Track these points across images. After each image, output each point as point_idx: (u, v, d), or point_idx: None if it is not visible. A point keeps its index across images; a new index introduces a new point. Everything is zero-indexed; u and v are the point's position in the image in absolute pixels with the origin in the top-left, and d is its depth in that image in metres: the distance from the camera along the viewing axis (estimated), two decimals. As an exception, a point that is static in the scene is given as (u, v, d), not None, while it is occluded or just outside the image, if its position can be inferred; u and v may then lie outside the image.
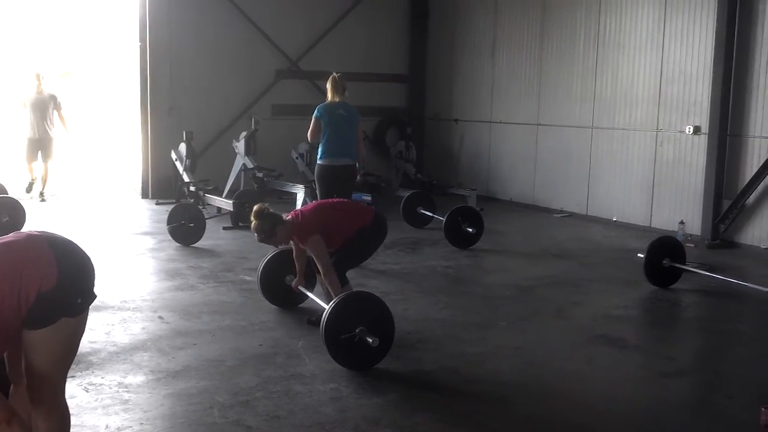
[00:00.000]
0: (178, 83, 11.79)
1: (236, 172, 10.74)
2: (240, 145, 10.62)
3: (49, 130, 11.40)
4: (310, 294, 5.62)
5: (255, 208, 5.36)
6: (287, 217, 5.42)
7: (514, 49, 12.12)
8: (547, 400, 4.39)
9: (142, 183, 12.14)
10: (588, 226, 10.35)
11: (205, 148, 11.72)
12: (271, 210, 5.37)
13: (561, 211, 11.24)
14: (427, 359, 5.00)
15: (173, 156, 10.69)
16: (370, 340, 4.53)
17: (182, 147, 10.50)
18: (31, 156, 11.43)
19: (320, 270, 5.25)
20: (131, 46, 12.23)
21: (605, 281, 7.29)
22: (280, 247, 5.78)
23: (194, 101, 11.84)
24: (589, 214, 10.87)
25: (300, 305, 5.96)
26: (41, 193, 11.52)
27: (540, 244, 9.10)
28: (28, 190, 11.41)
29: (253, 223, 5.33)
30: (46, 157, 11.50)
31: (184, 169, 10.38)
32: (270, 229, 5.27)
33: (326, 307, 4.86)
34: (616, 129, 10.44)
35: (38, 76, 11.44)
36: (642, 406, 4.39)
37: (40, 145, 11.38)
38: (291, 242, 5.57)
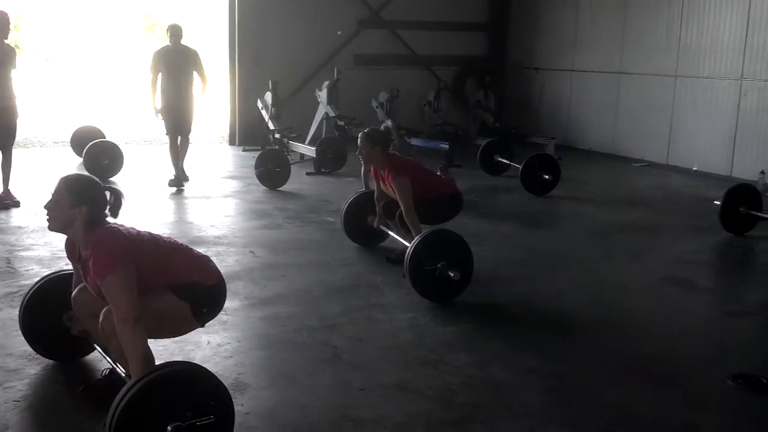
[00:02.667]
0: (264, 34, 12.16)
1: (318, 120, 11.13)
2: (323, 94, 10.98)
3: (188, 97, 8.78)
4: (390, 232, 5.93)
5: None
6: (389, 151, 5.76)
7: (597, -3, 11.99)
8: (613, 333, 4.62)
9: (230, 130, 12.66)
10: (667, 175, 10.33)
11: (290, 97, 12.09)
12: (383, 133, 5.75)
13: (641, 161, 11.21)
14: (500, 295, 5.28)
15: (259, 104, 11.13)
16: (452, 274, 4.82)
17: (268, 96, 10.91)
18: (175, 131, 8.83)
19: (402, 208, 5.52)
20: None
21: (680, 228, 7.38)
22: (359, 190, 6.09)
23: (279, 52, 12.20)
24: (669, 163, 10.81)
25: (380, 244, 6.30)
26: (182, 170, 8.92)
27: (617, 192, 9.18)
28: (176, 183, 8.70)
29: (364, 132, 5.69)
30: (185, 131, 8.95)
31: (270, 117, 10.80)
32: (372, 144, 5.59)
33: (407, 244, 5.17)
34: (700, 78, 10.30)
35: (176, 28, 8.75)
36: (707, 341, 4.58)
37: (180, 115, 8.76)
38: (372, 181, 5.89)
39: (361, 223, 6.22)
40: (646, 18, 11.13)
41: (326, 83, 10.99)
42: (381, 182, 5.79)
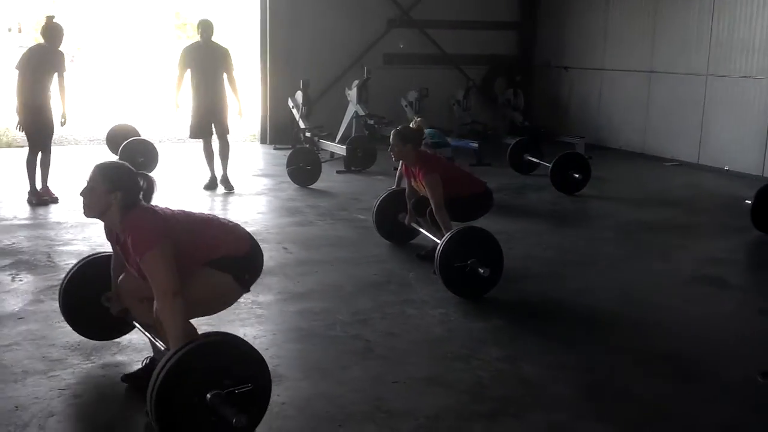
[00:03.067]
0: (295, 34, 12.28)
1: (348, 118, 11.22)
2: (352, 93, 11.07)
3: (220, 96, 8.40)
4: (421, 229, 6.00)
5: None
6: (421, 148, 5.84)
7: (628, -5, 11.96)
8: (643, 330, 4.65)
9: (261, 129, 12.81)
10: (698, 175, 10.28)
11: (320, 96, 12.20)
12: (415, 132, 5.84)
13: (672, 160, 11.16)
14: (530, 291, 5.33)
15: (290, 103, 11.26)
16: (482, 271, 4.87)
17: (299, 95, 11.03)
18: (203, 132, 8.50)
19: (432, 205, 5.57)
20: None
21: (711, 226, 7.37)
22: (389, 188, 6.17)
23: (310, 51, 12.31)
24: (701, 162, 10.75)
25: (410, 241, 6.37)
26: (226, 180, 8.57)
27: (647, 191, 9.16)
28: (211, 186, 8.57)
29: (396, 129, 5.78)
30: (221, 132, 8.52)
31: (300, 116, 10.92)
32: (404, 142, 5.66)
33: (437, 241, 5.24)
34: (732, 76, 10.23)
35: (206, 24, 8.40)
36: (738, 338, 4.59)
37: (212, 117, 8.43)
38: (404, 178, 5.96)
39: (392, 220, 6.29)
40: (676, 16, 11.07)
41: (356, 82, 11.08)
42: (412, 179, 5.86)
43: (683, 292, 5.42)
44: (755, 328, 4.76)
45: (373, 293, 5.17)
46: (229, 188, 8.52)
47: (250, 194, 8.51)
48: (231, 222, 3.73)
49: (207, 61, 8.32)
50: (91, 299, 3.86)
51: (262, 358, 3.16)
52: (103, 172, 3.31)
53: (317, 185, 8.88)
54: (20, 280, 5.27)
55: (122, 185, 3.29)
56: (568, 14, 13.28)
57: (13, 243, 6.19)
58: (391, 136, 5.76)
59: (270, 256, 5.99)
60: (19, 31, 52.36)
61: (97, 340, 4.09)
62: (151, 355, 3.73)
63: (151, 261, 3.16)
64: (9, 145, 11.63)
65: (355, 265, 5.85)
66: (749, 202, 6.90)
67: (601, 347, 4.38)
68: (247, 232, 3.65)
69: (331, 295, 5.10)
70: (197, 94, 8.42)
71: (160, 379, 2.90)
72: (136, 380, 3.67)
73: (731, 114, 10.27)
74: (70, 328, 4.03)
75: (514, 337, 4.47)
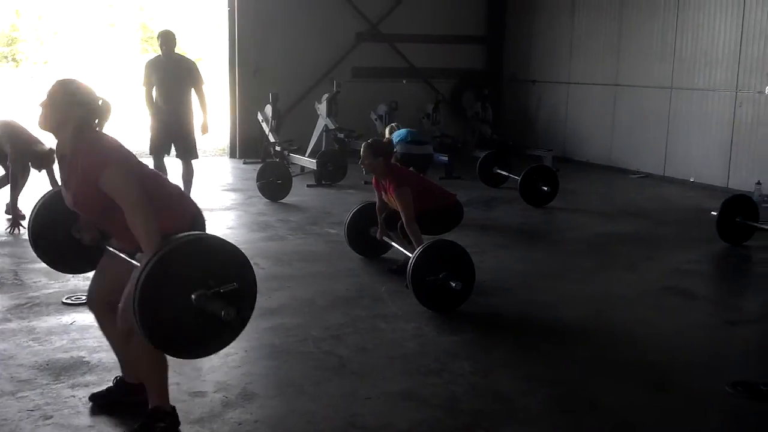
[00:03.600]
0: (263, 47, 12.28)
1: (318, 132, 11.22)
2: (322, 107, 11.09)
3: (184, 114, 7.86)
4: (393, 243, 6.01)
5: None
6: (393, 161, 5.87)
7: (594, 9, 12.15)
8: (614, 342, 4.70)
9: (230, 143, 12.76)
10: (665, 187, 10.44)
11: (289, 110, 12.20)
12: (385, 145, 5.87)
13: (638, 172, 11.32)
14: (502, 304, 5.36)
15: (259, 117, 11.24)
16: (453, 284, 4.91)
17: (268, 108, 11.02)
18: (156, 152, 7.96)
19: (403, 219, 5.58)
20: (220, 11, 12.75)
21: (678, 238, 7.48)
22: (364, 202, 6.19)
23: (279, 64, 12.32)
24: (666, 174, 10.93)
25: (382, 255, 6.38)
26: None
27: (615, 203, 9.28)
28: None
29: (367, 142, 5.79)
30: (184, 153, 7.97)
31: (270, 130, 10.90)
32: (375, 155, 5.67)
33: (409, 254, 5.25)
34: (696, 89, 10.43)
35: (168, 35, 7.86)
36: (706, 349, 4.67)
37: (173, 135, 7.89)
38: (376, 192, 5.98)
39: (364, 234, 6.30)
40: (640, 30, 11.27)
41: (326, 96, 11.09)
42: (383, 193, 5.87)
43: (652, 303, 5.49)
44: (724, 339, 4.84)
45: (345, 308, 5.16)
46: None
47: (220, 209, 8.46)
48: (176, 194, 3.51)
49: (169, 76, 7.72)
50: (61, 230, 3.67)
51: (246, 257, 3.09)
52: (65, 85, 3.21)
53: (288, 199, 8.86)
54: (-14, 299, 5.18)
55: (83, 101, 3.18)
56: (534, 28, 13.45)
57: (-22, 261, 6.08)
58: (362, 149, 5.78)
59: (241, 271, 5.97)
60: None
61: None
62: (120, 374, 3.68)
63: (113, 176, 3.03)
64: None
65: (327, 279, 5.84)
66: (715, 213, 7.02)
67: (572, 359, 4.41)
68: (192, 204, 3.52)
69: (303, 311, 5.09)
70: (158, 110, 7.83)
71: (141, 282, 2.80)
72: (105, 399, 3.62)
73: (696, 126, 10.46)
74: (39, 347, 3.97)
75: (487, 351, 4.49)
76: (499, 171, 9.91)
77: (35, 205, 3.74)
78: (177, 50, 8.13)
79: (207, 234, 3.14)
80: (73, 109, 3.15)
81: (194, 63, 8.08)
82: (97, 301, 3.57)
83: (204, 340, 3.02)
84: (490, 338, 4.71)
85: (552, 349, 4.56)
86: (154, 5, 38.12)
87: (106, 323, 3.56)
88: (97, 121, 3.26)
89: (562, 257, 6.73)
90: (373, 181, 5.98)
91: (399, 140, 8.35)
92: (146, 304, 2.82)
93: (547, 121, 13.28)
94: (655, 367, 4.31)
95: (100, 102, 3.26)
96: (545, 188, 8.71)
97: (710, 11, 10.11)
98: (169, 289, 2.86)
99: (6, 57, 44.78)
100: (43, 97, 3.22)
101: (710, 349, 4.68)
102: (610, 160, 11.95)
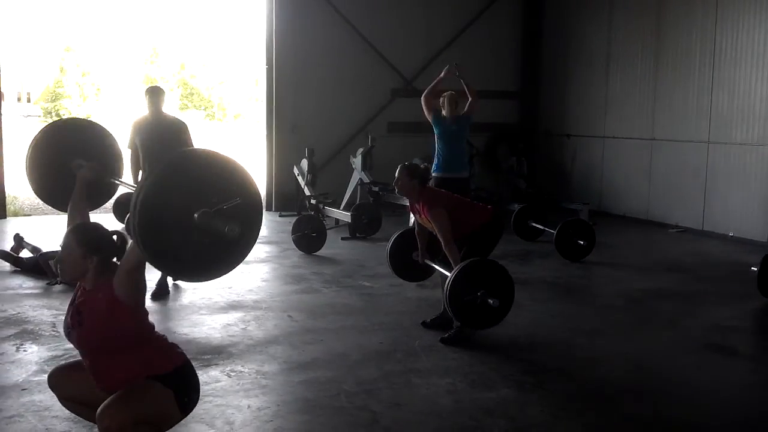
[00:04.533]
0: (300, 103, 12.50)
1: (353, 186, 11.32)
2: (357, 161, 11.19)
3: None
4: (434, 265, 5.86)
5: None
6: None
7: (628, 66, 12.18)
8: (653, 401, 4.58)
9: (266, 196, 12.88)
10: (703, 241, 10.28)
11: (325, 164, 12.32)
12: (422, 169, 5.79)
13: (676, 226, 11.18)
14: (538, 361, 5.27)
15: (295, 171, 11.37)
16: (491, 301, 4.99)
17: (304, 163, 11.16)
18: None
19: (441, 240, 5.44)
20: (258, 69, 13.04)
21: (718, 294, 7.32)
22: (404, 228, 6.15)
23: (315, 120, 12.51)
24: (705, 229, 10.77)
25: (425, 279, 6.41)
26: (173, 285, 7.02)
27: (653, 258, 9.15)
28: (160, 294, 6.74)
29: (403, 164, 5.71)
30: None
31: (306, 184, 11.02)
32: (411, 176, 5.58)
33: (448, 275, 5.23)
34: (733, 144, 10.34)
35: (155, 92, 6.95)
36: (750, 409, 4.52)
37: None
38: (413, 217, 5.92)
39: (407, 259, 6.19)
40: (676, 86, 11.25)
41: (360, 150, 11.22)
42: (418, 215, 5.78)
43: (693, 361, 5.36)
44: (767, 399, 4.69)
45: (379, 362, 5.12)
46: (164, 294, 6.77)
47: (255, 261, 8.51)
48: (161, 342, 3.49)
49: (155, 138, 6.73)
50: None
51: (247, 170, 3.01)
52: (77, 236, 3.29)
53: (322, 252, 8.89)
54: (24, 351, 5.24)
55: (97, 248, 3.26)
56: (568, 84, 13.51)
57: (18, 312, 6.18)
58: (398, 171, 5.66)
59: (275, 324, 5.99)
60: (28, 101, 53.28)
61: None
62: None
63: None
64: (16, 214, 11.70)
65: (361, 333, 5.81)
66: (755, 269, 6.88)
67: (611, 419, 4.31)
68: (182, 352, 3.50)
69: (336, 365, 5.06)
70: (138, 178, 6.89)
71: (139, 203, 2.73)
72: None
73: (734, 180, 10.33)
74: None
75: (523, 408, 4.40)
76: (534, 224, 9.85)
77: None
78: (165, 109, 6.99)
79: (203, 149, 3.04)
80: (91, 259, 3.25)
81: (184, 124, 6.97)
82: (55, 387, 3.56)
83: (213, 261, 2.96)
84: (527, 395, 4.63)
85: (590, 407, 4.46)
86: (195, 63, 39.17)
87: (66, 404, 3.59)
88: (115, 259, 3.34)
89: (600, 313, 6.62)
90: (409, 204, 5.92)
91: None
92: (147, 227, 2.75)
93: (583, 174, 13.23)
94: (699, 427, 4.19)
95: (116, 239, 3.34)
96: (581, 242, 8.63)
97: (746, 68, 10.07)
98: (168, 212, 2.78)
99: (50, 112, 46.21)
100: (61, 252, 3.30)
101: (754, 409, 4.53)
102: (648, 214, 11.82)
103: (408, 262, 6.21)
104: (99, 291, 3.23)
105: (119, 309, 3.21)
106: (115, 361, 3.27)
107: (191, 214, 2.79)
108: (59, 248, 3.36)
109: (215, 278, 3.12)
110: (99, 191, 3.84)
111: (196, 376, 3.47)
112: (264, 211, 3.02)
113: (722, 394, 4.72)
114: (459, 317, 5.11)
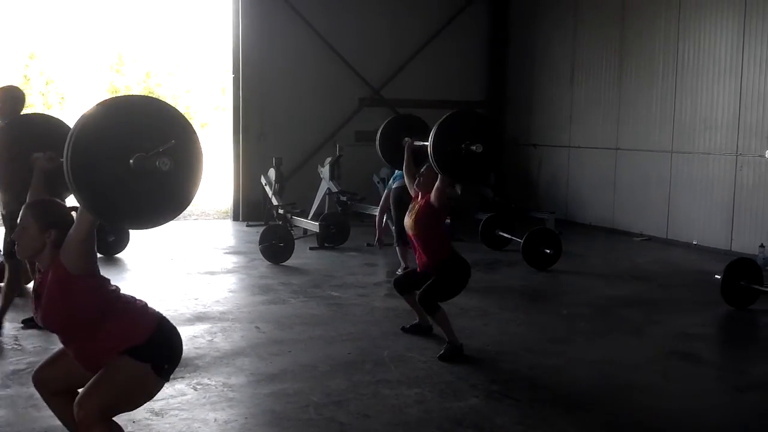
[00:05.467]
0: (267, 112, 12.46)
1: (321, 195, 11.29)
2: (325, 170, 11.17)
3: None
4: (416, 141, 6.07)
5: None
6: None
7: (593, 76, 12.34)
8: (620, 408, 4.62)
9: (233, 206, 12.81)
10: (667, 250, 10.42)
11: (293, 173, 12.29)
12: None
13: (640, 235, 11.32)
14: (506, 369, 5.28)
15: (263, 180, 11.31)
16: (474, 147, 5.14)
17: (271, 172, 11.10)
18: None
19: (436, 187, 5.51)
20: (225, 78, 12.97)
21: (683, 302, 7.41)
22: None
23: (282, 129, 12.48)
24: (669, 237, 10.92)
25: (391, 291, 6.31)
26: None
27: (618, 266, 9.24)
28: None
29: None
30: None
31: (273, 193, 10.95)
32: (437, 174, 5.52)
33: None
34: (696, 153, 10.50)
35: (11, 92, 5.91)
36: (714, 415, 4.57)
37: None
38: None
39: (398, 144, 6.38)
40: (640, 96, 11.42)
41: (328, 159, 11.20)
42: (416, 203, 5.77)
43: (659, 368, 5.41)
44: (731, 407, 4.75)
45: (347, 373, 5.09)
46: None
47: (222, 272, 8.43)
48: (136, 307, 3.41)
49: (19, 145, 5.98)
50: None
51: (179, 111, 2.99)
52: (34, 211, 3.24)
53: (290, 262, 8.84)
54: (-16, 364, 5.12)
55: (54, 223, 3.21)
56: (534, 94, 13.64)
57: (-22, 325, 6.04)
58: (425, 167, 5.74)
59: (242, 336, 5.93)
60: None
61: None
62: None
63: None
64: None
65: (329, 343, 5.78)
66: (719, 276, 6.98)
67: (578, 426, 4.33)
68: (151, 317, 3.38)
69: (304, 376, 5.01)
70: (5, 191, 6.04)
71: (72, 146, 2.71)
72: None
73: (697, 189, 10.49)
74: (37, 414, 3.91)
75: (491, 417, 4.40)
76: (501, 233, 9.92)
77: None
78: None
79: (132, 95, 3.06)
80: (48, 233, 3.19)
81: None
82: (41, 384, 3.48)
83: (152, 206, 2.93)
84: (495, 404, 4.63)
85: (557, 415, 4.48)
86: (162, 72, 38.82)
87: (52, 402, 3.49)
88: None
89: (566, 321, 6.67)
90: (414, 193, 5.94)
91: (400, 176, 8.23)
92: (81, 178, 2.74)
93: (549, 184, 13.35)
94: (663, 434, 4.23)
95: (73, 214, 3.25)
96: (548, 251, 8.70)
97: (708, 77, 10.25)
98: (103, 157, 2.77)
99: (13, 121, 45.39)
100: (18, 227, 3.23)
101: (718, 415, 4.58)
102: (613, 223, 11.96)
103: (399, 147, 6.32)
104: (53, 269, 3.15)
105: (75, 283, 3.12)
106: (88, 339, 3.21)
107: (127, 159, 2.80)
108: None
109: (156, 225, 3.04)
110: (63, 181, 3.76)
111: (175, 335, 3.37)
112: (203, 175, 2.96)
113: (687, 401, 4.76)
114: (444, 169, 5.23)
